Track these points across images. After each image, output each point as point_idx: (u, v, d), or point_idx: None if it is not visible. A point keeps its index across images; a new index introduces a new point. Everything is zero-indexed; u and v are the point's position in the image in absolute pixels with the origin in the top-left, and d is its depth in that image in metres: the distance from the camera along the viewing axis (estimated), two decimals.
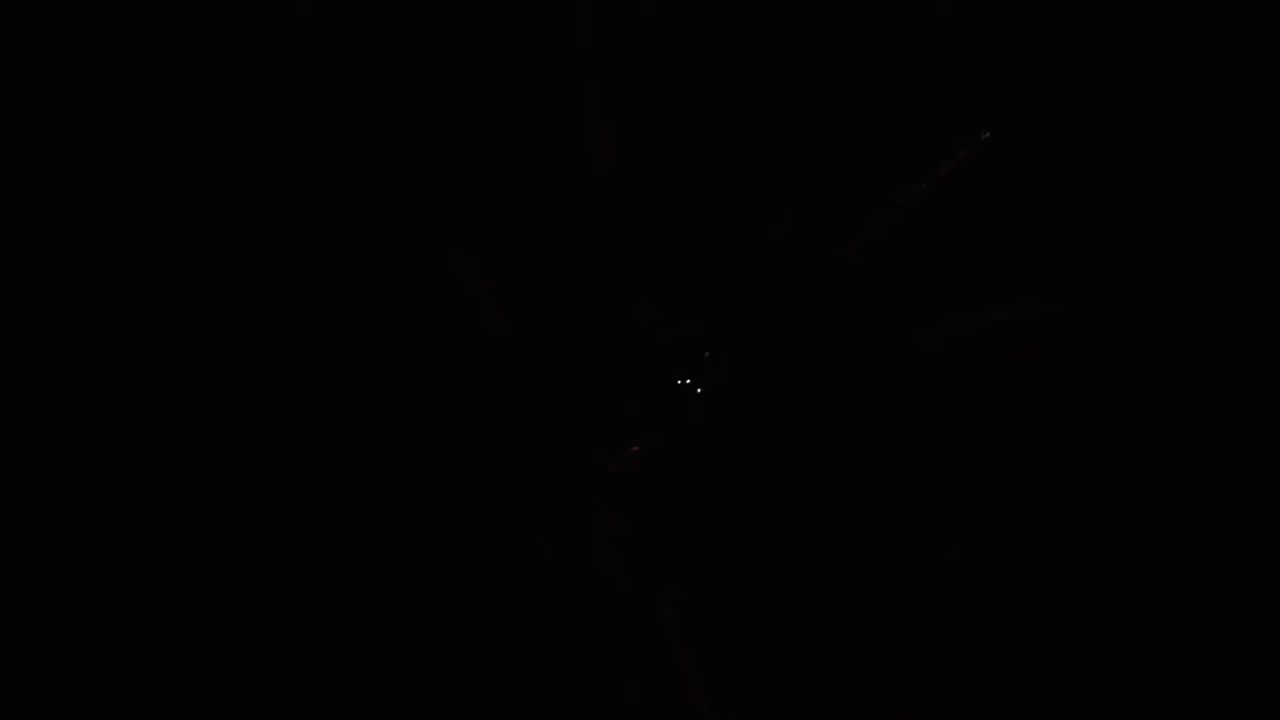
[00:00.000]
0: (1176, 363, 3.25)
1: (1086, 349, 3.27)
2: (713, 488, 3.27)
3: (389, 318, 3.32)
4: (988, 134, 3.27)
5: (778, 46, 3.35)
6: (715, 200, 3.35)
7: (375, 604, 3.21)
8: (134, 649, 3.17)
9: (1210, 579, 3.16)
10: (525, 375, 3.30)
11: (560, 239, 3.35)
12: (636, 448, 3.23)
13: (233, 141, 3.34)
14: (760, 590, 3.23)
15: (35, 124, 3.31)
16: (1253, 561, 3.15)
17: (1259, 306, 3.24)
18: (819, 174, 3.34)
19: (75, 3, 3.30)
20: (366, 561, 3.23)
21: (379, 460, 3.28)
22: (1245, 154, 3.26)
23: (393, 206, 3.34)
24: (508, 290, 3.32)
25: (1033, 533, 3.22)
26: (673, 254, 3.34)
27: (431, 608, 3.22)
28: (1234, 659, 3.12)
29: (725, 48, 3.35)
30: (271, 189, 3.34)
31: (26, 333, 3.26)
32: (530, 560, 3.22)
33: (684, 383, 3.24)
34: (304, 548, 3.23)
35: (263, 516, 3.25)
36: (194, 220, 3.33)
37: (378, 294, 3.32)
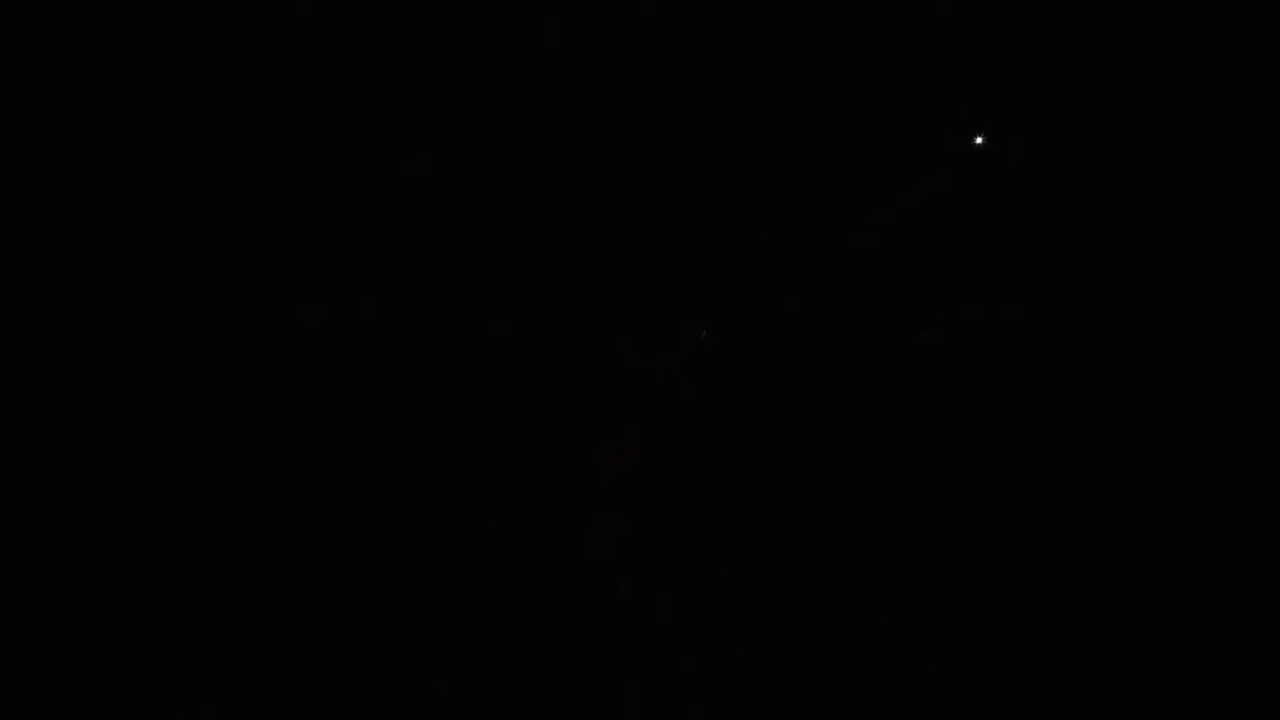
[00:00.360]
0: (1171, 361, 3.26)
1: (1084, 349, 3.28)
2: (711, 489, 3.27)
3: (389, 318, 3.32)
4: (986, 136, 3.27)
5: (777, 46, 3.34)
6: (715, 200, 3.35)
7: (375, 604, 3.22)
8: (134, 648, 3.18)
9: (1198, 576, 3.18)
10: (525, 375, 3.30)
11: (559, 240, 3.35)
12: (636, 451, 3.23)
13: (232, 140, 3.33)
14: (759, 591, 3.23)
15: (35, 123, 3.30)
16: (1237, 554, 3.17)
17: (1258, 307, 3.25)
18: (818, 174, 3.34)
19: (76, 3, 3.30)
20: (366, 561, 3.24)
21: (379, 460, 3.28)
22: (1245, 155, 3.27)
23: (392, 206, 3.34)
24: (508, 290, 3.32)
25: (1030, 533, 3.23)
26: (672, 253, 3.35)
27: (431, 608, 3.22)
28: (1225, 657, 3.14)
29: (725, 48, 3.34)
30: (271, 188, 3.34)
31: (26, 333, 3.26)
32: (530, 561, 3.23)
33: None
34: (304, 547, 3.24)
35: (263, 516, 3.25)
36: (193, 219, 3.32)
37: (378, 294, 3.33)
